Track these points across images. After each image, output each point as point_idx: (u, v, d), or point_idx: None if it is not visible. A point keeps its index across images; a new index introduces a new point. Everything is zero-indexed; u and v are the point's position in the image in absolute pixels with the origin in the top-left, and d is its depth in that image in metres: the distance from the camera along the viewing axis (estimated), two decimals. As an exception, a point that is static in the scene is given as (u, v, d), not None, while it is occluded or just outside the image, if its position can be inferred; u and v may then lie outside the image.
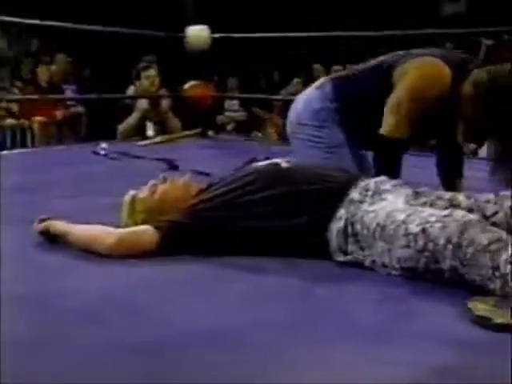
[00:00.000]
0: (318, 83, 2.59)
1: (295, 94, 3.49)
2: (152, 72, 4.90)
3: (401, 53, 2.44)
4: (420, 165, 3.40)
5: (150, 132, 4.73)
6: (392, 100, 2.31)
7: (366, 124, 2.38)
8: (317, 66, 7.44)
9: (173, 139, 4.41)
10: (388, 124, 2.29)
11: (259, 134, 7.32)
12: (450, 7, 9.67)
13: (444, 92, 2.25)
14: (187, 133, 4.66)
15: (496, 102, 2.04)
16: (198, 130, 4.73)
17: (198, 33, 4.27)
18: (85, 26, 4.66)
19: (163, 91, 4.97)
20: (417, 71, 2.31)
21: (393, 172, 2.17)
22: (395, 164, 2.31)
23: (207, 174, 2.85)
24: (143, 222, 1.90)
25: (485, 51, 2.27)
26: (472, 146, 4.87)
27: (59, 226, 1.92)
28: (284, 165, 1.94)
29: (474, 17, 8.56)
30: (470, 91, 2.14)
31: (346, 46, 7.95)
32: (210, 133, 5.00)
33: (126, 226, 1.94)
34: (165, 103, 4.96)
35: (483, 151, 4.95)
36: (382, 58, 2.48)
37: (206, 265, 1.74)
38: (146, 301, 1.50)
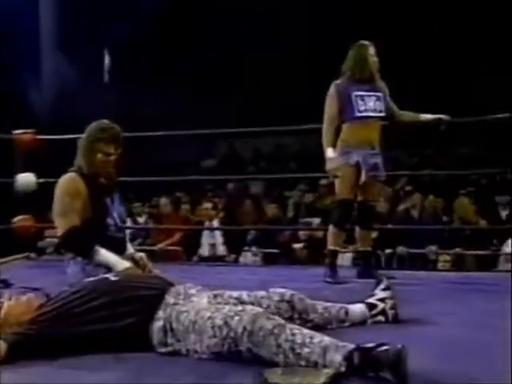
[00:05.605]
0: None
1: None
2: None
3: None
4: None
5: None
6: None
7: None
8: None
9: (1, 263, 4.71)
10: (60, 229, 2.94)
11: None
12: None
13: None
14: (14, 257, 5.08)
15: None
16: (25, 255, 5.20)
17: (25, 179, 5.12)
18: None
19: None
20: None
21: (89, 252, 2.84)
22: (88, 248, 2.87)
23: (38, 289, 3.14)
24: None
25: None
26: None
27: None
28: (112, 278, 2.35)
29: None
30: None
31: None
32: (32, 255, 5.56)
33: (-24, 339, 2.19)
34: None
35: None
36: None
37: (47, 368, 2.07)
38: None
